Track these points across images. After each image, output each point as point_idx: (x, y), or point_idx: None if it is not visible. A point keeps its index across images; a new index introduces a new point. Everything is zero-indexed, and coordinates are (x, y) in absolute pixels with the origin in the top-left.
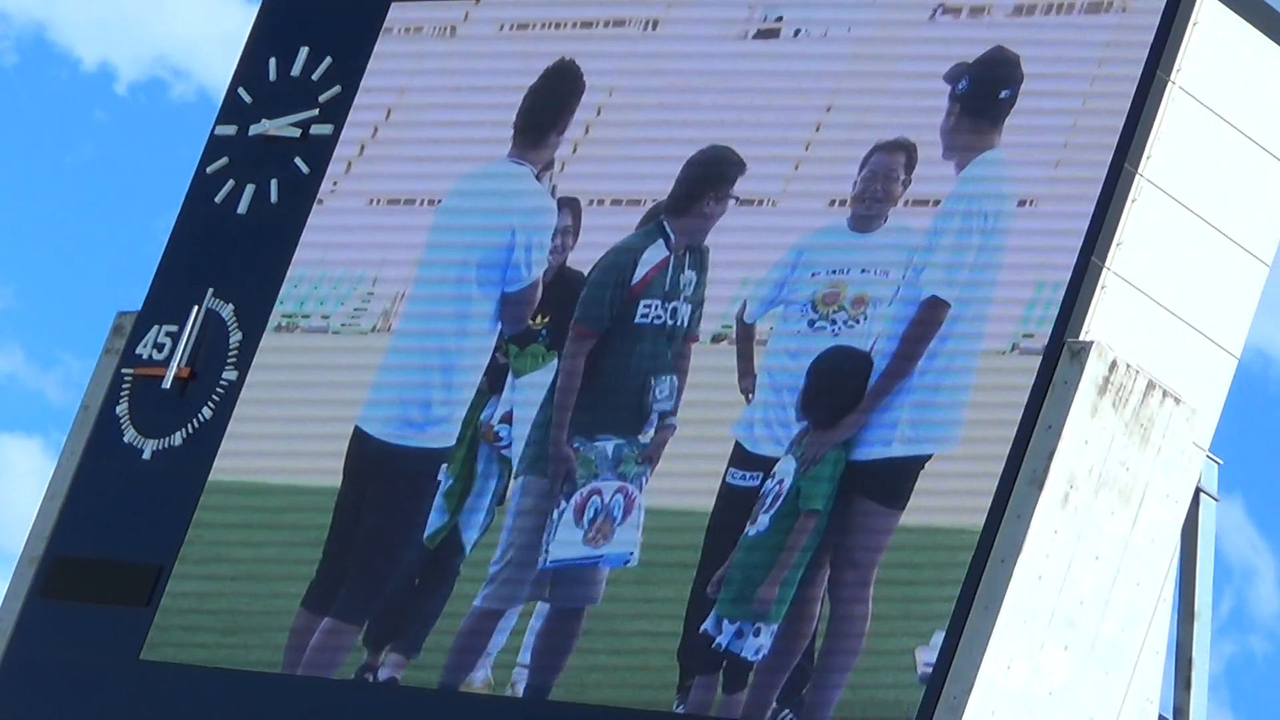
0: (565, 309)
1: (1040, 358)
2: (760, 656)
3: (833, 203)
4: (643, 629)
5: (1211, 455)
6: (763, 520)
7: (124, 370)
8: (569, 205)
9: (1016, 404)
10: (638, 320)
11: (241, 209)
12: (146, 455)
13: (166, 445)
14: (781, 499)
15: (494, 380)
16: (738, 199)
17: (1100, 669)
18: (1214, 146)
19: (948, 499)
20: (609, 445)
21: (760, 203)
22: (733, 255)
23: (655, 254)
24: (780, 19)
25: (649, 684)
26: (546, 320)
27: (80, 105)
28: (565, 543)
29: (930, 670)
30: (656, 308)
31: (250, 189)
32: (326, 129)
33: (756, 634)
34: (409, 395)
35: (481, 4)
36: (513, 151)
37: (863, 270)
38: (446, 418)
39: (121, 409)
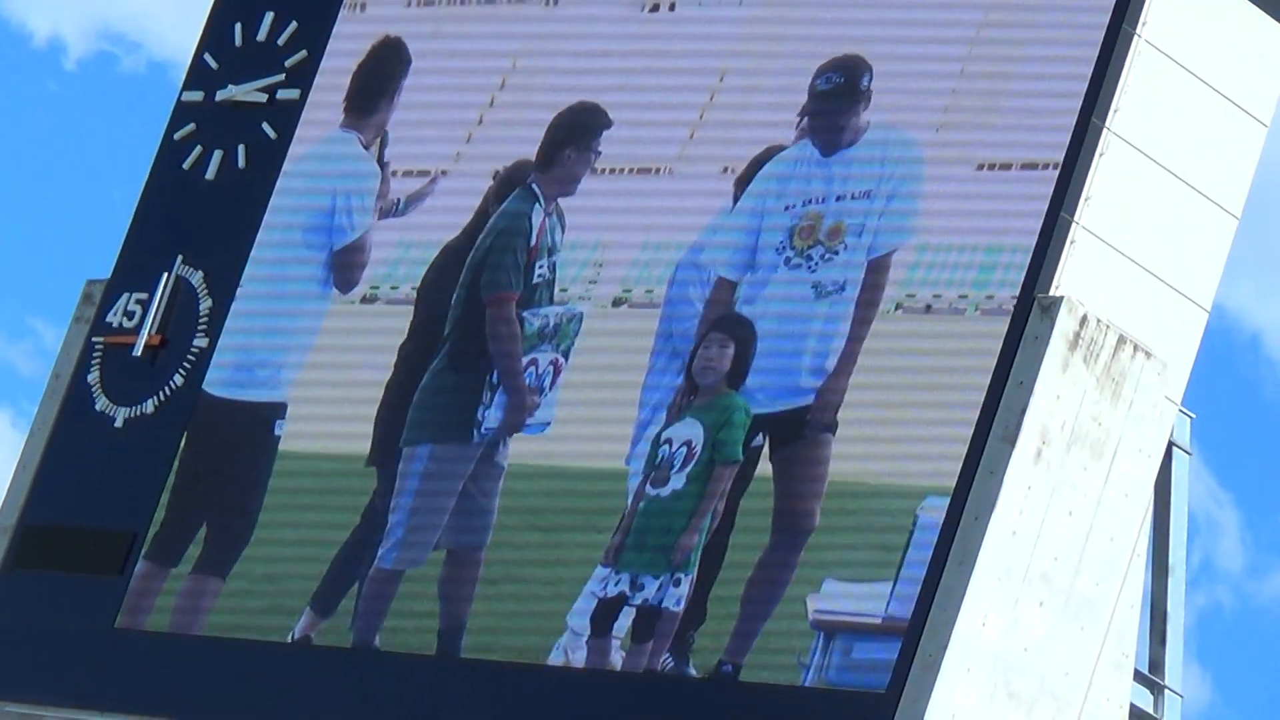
0: None
1: (1010, 314)
2: (680, 605)
3: (725, 170)
4: (544, 579)
5: (1184, 409)
6: (676, 480)
7: (95, 339)
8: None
9: (987, 360)
10: (534, 280)
11: (209, 175)
12: (119, 423)
13: (139, 413)
14: (695, 459)
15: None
16: (599, 151)
17: (1075, 624)
18: (1181, 100)
19: (918, 452)
20: (551, 314)
21: (656, 171)
22: (629, 220)
23: (538, 217)
24: None
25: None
26: None
27: (33, 77)
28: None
29: (822, 617)
30: (545, 266)
31: (218, 155)
32: (293, 93)
33: (676, 584)
34: (242, 357)
35: None
36: (344, 122)
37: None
38: (274, 378)
39: (93, 377)
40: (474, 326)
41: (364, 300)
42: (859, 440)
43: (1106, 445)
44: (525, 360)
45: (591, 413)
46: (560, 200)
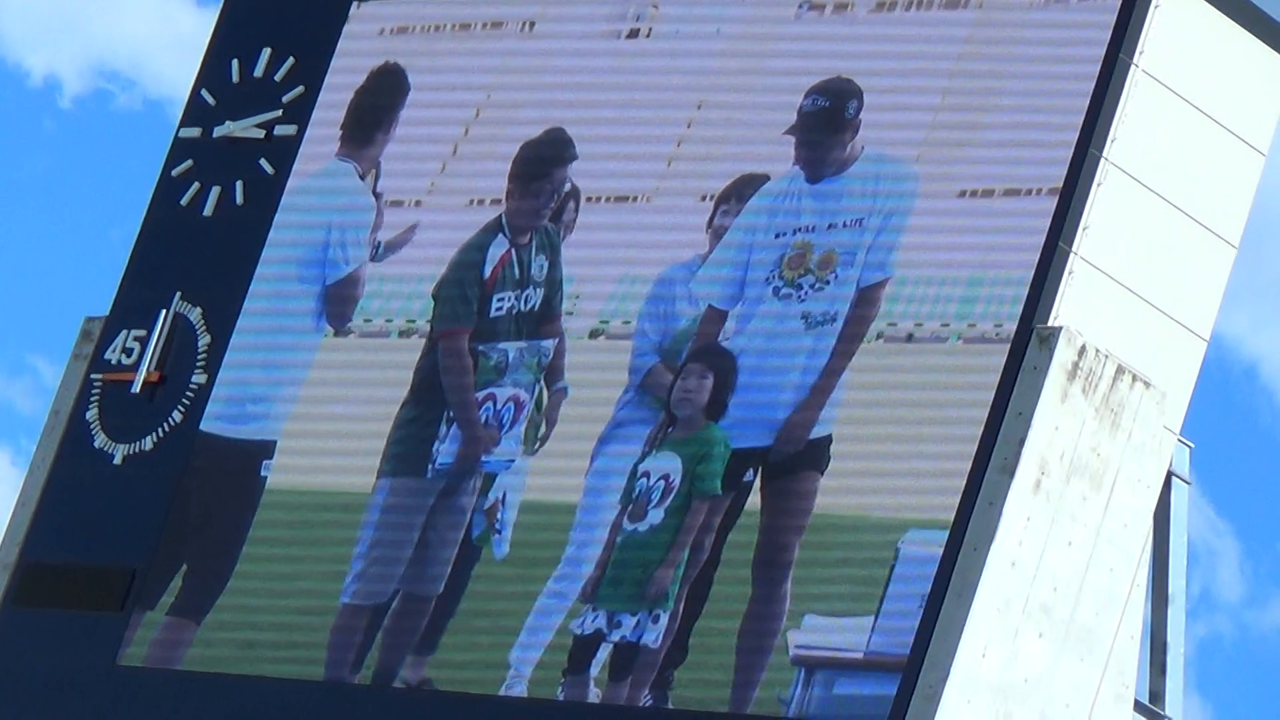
0: None
1: (1001, 343)
2: (659, 642)
3: (704, 198)
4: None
5: (1183, 439)
6: (654, 515)
7: (93, 375)
8: (573, 196)
9: (986, 391)
10: (493, 314)
11: (207, 211)
12: (118, 460)
13: (138, 450)
14: (674, 492)
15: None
16: (570, 180)
17: (1076, 655)
18: (1179, 129)
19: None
20: (510, 348)
21: (634, 199)
22: (605, 253)
23: (497, 249)
24: (652, 18)
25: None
26: None
27: (29, 116)
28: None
29: (802, 653)
30: (509, 299)
31: (215, 191)
32: (290, 129)
33: (655, 621)
34: (237, 392)
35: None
36: (340, 150)
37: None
38: (265, 413)
39: (92, 414)
40: (432, 361)
41: (358, 335)
42: (845, 474)
43: (1106, 475)
44: (481, 395)
45: (559, 446)
46: (548, 231)
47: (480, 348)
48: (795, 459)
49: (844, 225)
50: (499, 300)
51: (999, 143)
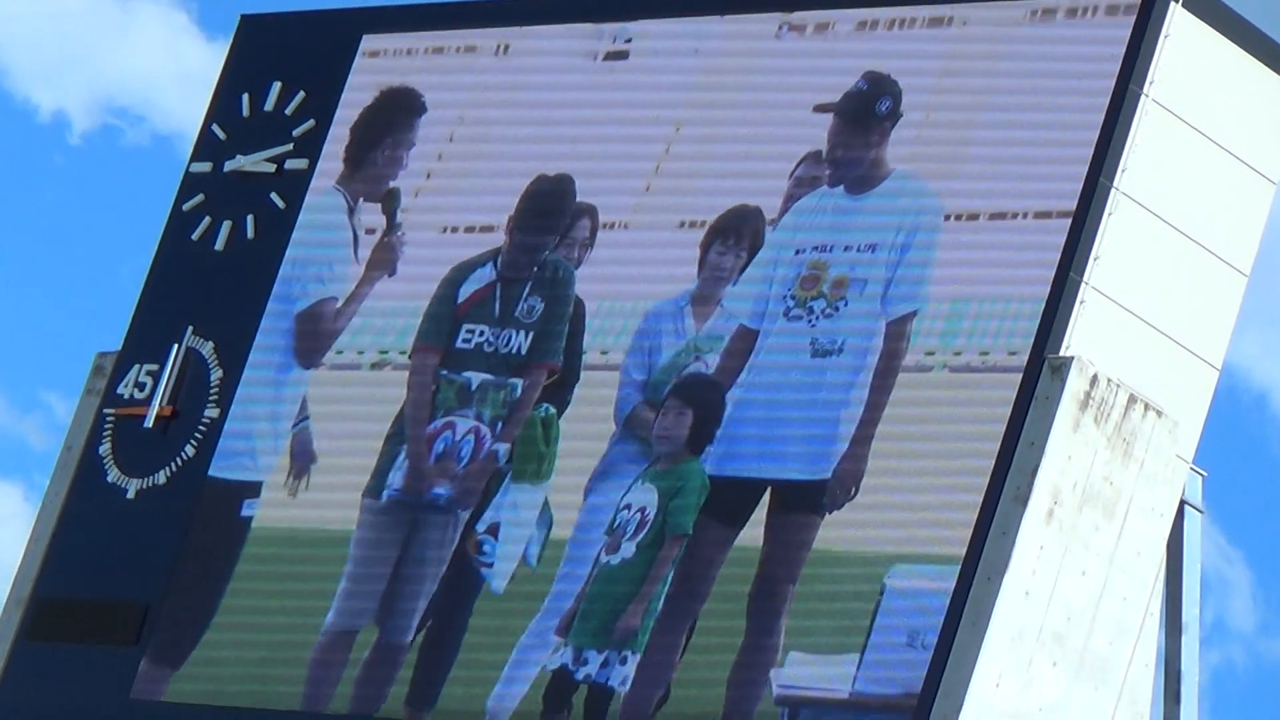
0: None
1: (1021, 374)
2: (626, 686)
3: (682, 224)
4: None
5: (1195, 467)
6: (626, 548)
7: (106, 410)
8: (588, 213)
9: (999, 421)
10: (459, 345)
11: (218, 245)
12: (130, 494)
13: (151, 484)
14: (648, 526)
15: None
16: (575, 232)
17: (1090, 684)
18: (1189, 158)
19: (926, 518)
20: (474, 377)
21: (610, 226)
22: (588, 287)
23: (479, 278)
24: (629, 41)
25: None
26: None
27: (39, 153)
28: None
29: (786, 692)
30: (484, 335)
31: (226, 225)
32: (301, 163)
33: (623, 663)
34: (239, 427)
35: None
36: (339, 180)
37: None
38: (251, 450)
39: (104, 449)
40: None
41: (328, 368)
42: (855, 508)
43: (1118, 504)
44: (440, 423)
45: (556, 480)
46: (556, 272)
47: (444, 373)
48: (804, 492)
49: (859, 249)
50: (468, 332)
51: (1015, 175)
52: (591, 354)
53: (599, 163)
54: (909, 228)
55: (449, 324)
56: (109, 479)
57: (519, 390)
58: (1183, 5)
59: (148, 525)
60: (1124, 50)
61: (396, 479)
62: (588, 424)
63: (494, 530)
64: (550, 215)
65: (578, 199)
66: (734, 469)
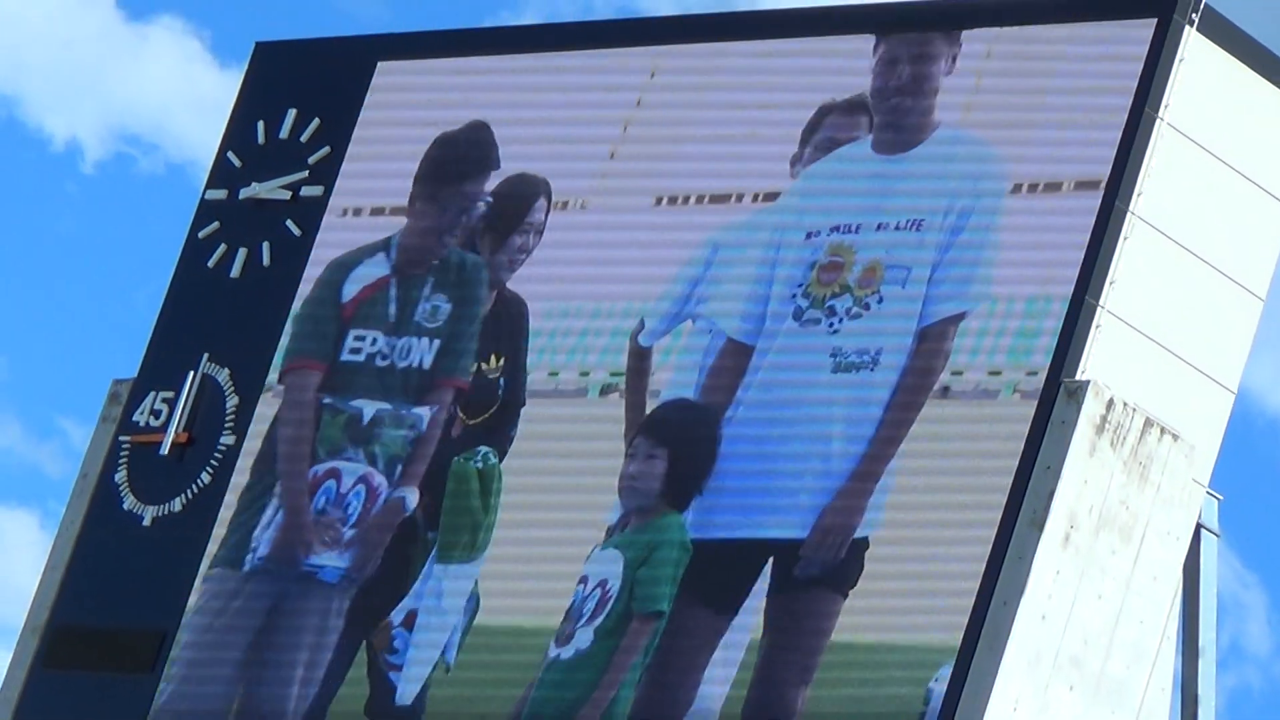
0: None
1: (1037, 398)
2: None
3: (660, 199)
4: None
5: (1211, 491)
6: (582, 636)
7: (121, 437)
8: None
9: (1015, 445)
10: (345, 355)
11: (234, 273)
12: (146, 522)
13: (167, 511)
14: (609, 605)
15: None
16: (480, 204)
17: (1107, 708)
18: (1204, 182)
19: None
20: (367, 408)
21: (565, 205)
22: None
23: (368, 272)
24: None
25: None
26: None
27: (52, 181)
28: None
29: None
30: (374, 344)
31: (242, 252)
32: (317, 190)
33: None
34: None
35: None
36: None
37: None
38: None
39: (120, 476)
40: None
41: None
42: (874, 577)
43: (1135, 528)
44: (322, 469)
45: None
46: (462, 263)
47: (327, 400)
48: (820, 564)
49: (896, 227)
50: (357, 339)
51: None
52: (538, 374)
53: (554, 139)
54: (960, 208)
55: (332, 330)
56: (125, 506)
57: (424, 424)
58: (1197, 29)
59: (164, 552)
60: (1140, 74)
61: (263, 540)
62: (532, 477)
63: (409, 621)
64: (452, 182)
65: (500, 149)
66: (723, 529)
